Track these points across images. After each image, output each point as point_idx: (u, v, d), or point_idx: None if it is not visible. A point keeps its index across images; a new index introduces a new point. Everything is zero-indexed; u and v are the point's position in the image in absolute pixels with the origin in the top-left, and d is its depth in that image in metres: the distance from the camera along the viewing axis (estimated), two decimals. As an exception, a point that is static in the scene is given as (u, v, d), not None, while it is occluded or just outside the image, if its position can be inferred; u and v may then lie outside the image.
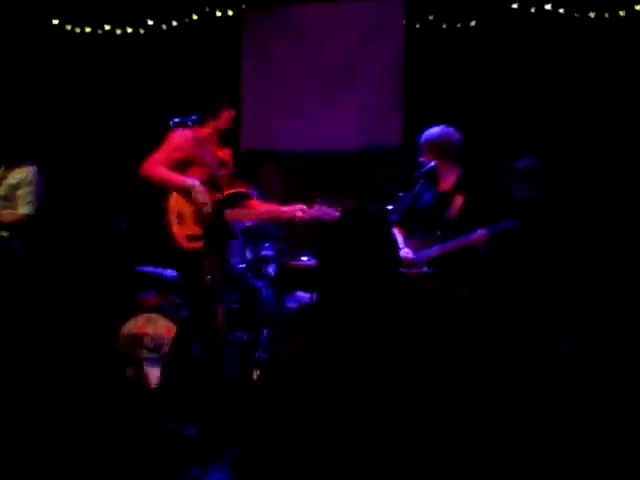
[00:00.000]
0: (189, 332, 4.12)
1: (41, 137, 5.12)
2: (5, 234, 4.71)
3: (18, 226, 4.77)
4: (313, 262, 4.63)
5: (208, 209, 3.94)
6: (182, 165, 4.04)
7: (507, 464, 3.18)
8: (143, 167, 4.03)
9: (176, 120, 4.22)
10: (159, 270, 5.30)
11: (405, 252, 4.10)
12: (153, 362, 4.74)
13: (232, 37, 6.22)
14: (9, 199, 4.75)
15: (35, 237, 4.92)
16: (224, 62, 6.20)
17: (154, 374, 4.65)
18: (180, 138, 4.08)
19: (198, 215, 3.94)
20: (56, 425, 3.61)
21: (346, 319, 1.73)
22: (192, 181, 3.96)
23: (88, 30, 6.36)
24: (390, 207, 4.28)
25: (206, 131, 4.17)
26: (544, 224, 4.29)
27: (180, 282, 4.27)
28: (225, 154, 4.28)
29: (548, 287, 4.26)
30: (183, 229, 3.93)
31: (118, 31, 6.36)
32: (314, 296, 4.85)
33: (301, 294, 5.07)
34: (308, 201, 4.06)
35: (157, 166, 3.98)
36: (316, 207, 4.06)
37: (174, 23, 6.30)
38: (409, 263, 4.06)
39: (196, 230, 3.95)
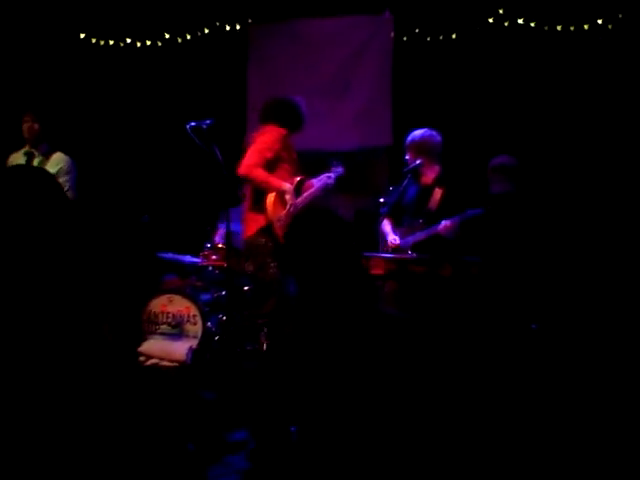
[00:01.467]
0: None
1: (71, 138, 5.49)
2: None
3: None
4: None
5: (294, 207, 4.47)
6: (273, 163, 4.48)
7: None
8: (243, 168, 4.39)
9: (192, 124, 4.48)
10: (179, 256, 5.63)
11: (393, 239, 4.46)
12: (174, 337, 5.05)
13: (239, 49, 6.60)
14: None
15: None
16: (232, 71, 6.61)
17: (176, 348, 4.98)
18: (271, 139, 4.48)
19: (289, 213, 4.44)
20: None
21: (312, 295, 1.98)
22: (286, 185, 4.48)
23: (111, 43, 6.72)
24: (382, 200, 4.63)
25: (285, 132, 4.56)
26: (512, 213, 4.45)
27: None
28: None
29: (515, 268, 4.37)
30: (283, 228, 4.42)
31: (138, 43, 6.73)
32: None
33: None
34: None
35: (257, 168, 4.41)
36: (333, 170, 4.63)
37: (188, 36, 6.69)
38: (396, 248, 4.41)
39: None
